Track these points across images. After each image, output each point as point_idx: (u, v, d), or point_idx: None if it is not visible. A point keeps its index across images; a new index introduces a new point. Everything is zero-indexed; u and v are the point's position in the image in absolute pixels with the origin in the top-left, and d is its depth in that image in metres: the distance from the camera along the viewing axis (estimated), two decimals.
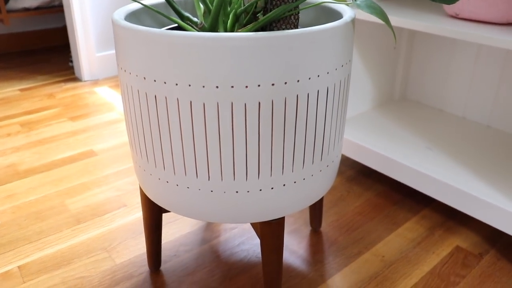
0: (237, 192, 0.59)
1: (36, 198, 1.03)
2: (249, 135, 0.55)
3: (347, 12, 0.63)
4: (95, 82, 1.78)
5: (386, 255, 0.87)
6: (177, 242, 0.89)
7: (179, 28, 0.73)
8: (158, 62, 0.53)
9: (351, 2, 0.58)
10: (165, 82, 0.54)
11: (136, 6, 0.71)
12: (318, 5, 0.73)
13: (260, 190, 0.59)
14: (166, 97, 0.55)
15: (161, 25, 0.76)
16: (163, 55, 0.52)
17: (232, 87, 0.52)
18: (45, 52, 2.19)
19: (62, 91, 1.68)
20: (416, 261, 0.85)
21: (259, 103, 0.53)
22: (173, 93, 0.54)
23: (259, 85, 0.52)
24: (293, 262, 0.85)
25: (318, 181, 0.64)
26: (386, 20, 0.57)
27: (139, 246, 0.88)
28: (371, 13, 0.56)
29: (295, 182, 0.61)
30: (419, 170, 0.93)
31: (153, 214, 0.75)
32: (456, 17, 0.88)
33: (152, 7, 0.62)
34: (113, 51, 1.81)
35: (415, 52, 1.22)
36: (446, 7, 0.90)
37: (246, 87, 0.52)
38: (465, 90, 1.15)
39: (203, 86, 0.52)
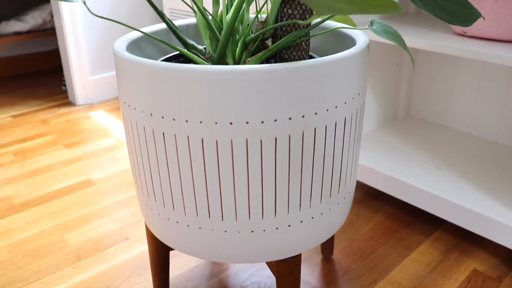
0: (252, 231, 0.56)
1: (34, 234, 0.99)
2: (265, 172, 0.52)
3: (360, 37, 0.60)
4: (90, 106, 1.74)
5: (402, 282, 0.84)
6: (184, 277, 0.85)
7: (182, 56, 0.70)
8: (166, 98, 0.50)
9: (366, 27, 0.56)
10: (174, 119, 0.51)
11: (136, 34, 0.68)
12: (331, 31, 0.71)
13: (277, 228, 0.56)
14: (175, 135, 0.51)
15: (164, 53, 0.73)
16: (172, 90, 0.49)
17: (247, 123, 0.49)
18: (38, 75, 2.15)
19: (56, 116, 1.64)
20: (434, 287, 0.82)
21: (276, 138, 0.50)
22: (183, 131, 0.51)
23: (275, 120, 0.49)
24: None
25: (336, 214, 0.61)
26: (404, 46, 0.54)
27: (145, 283, 0.84)
28: (389, 38, 0.53)
29: (312, 218, 0.58)
30: (429, 192, 0.90)
31: (161, 252, 0.71)
32: (463, 35, 0.87)
33: (155, 36, 0.59)
34: (108, 74, 1.78)
35: (418, 69, 1.20)
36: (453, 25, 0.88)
37: (262, 122, 0.49)
38: (470, 106, 1.13)
39: (216, 123, 0.49)
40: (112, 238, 0.97)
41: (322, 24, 0.72)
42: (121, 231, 0.99)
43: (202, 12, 0.55)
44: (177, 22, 0.76)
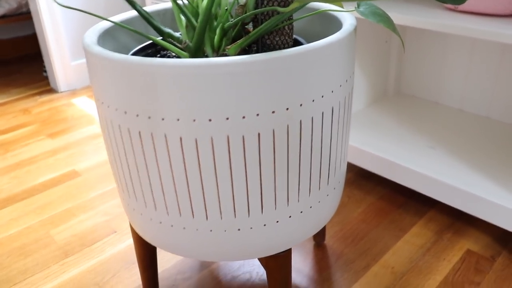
0: (239, 229, 0.53)
1: (19, 231, 0.96)
2: (249, 169, 0.49)
3: (347, 19, 0.57)
4: (73, 92, 1.68)
5: (395, 265, 0.83)
6: (174, 270, 0.83)
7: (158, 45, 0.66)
8: (140, 95, 0.46)
9: (352, 9, 0.52)
10: (149, 117, 0.47)
11: (109, 22, 0.64)
12: (316, 14, 0.67)
13: (264, 225, 0.54)
14: (152, 134, 0.48)
15: (139, 42, 0.69)
16: (146, 87, 0.46)
17: (227, 119, 0.46)
18: (17, 61, 2.08)
19: (38, 104, 1.59)
20: (427, 270, 0.81)
21: (259, 134, 0.47)
22: (160, 129, 0.47)
23: (257, 115, 0.46)
24: (300, 283, 0.80)
25: (326, 206, 0.59)
26: (393, 28, 0.51)
27: (134, 278, 0.82)
28: (377, 21, 0.50)
29: (301, 212, 0.55)
30: (421, 172, 0.88)
31: (147, 248, 0.69)
32: (454, 10, 0.83)
33: (127, 26, 0.55)
34: None
35: (408, 44, 1.17)
36: None
37: (243, 117, 0.46)
38: (462, 81, 1.10)
39: (194, 120, 0.46)
40: (99, 232, 0.94)
41: (308, 8, 0.68)
42: (108, 224, 0.97)
43: (175, 1, 0.51)
44: (154, 7, 0.71)
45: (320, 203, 0.57)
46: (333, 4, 0.66)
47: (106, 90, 0.50)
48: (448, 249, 0.86)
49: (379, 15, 0.51)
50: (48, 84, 1.76)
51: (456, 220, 0.93)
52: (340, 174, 0.60)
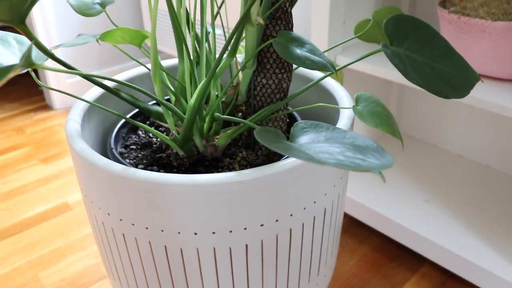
0: None
1: (6, 273, 0.95)
2: (236, 275, 0.47)
3: (344, 112, 0.54)
4: (68, 110, 1.66)
5: None
6: None
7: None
8: (123, 202, 0.45)
9: (350, 107, 0.50)
10: (133, 224, 0.45)
11: (98, 91, 0.62)
12: (309, 86, 0.65)
13: None
14: (136, 238, 0.46)
15: (130, 108, 0.67)
16: (129, 197, 0.44)
17: (214, 233, 0.44)
18: None
19: (33, 123, 1.57)
20: None
21: (246, 245, 0.45)
22: (144, 236, 0.46)
23: (245, 229, 0.44)
24: None
25: None
26: (394, 132, 0.49)
27: None
28: (376, 125, 0.48)
29: None
30: (414, 230, 0.87)
31: None
32: None
33: (109, 110, 0.53)
34: None
35: (409, 86, 1.14)
36: None
37: (230, 231, 0.44)
38: (462, 126, 1.08)
39: (179, 233, 0.44)
40: (88, 277, 0.93)
41: (303, 75, 0.66)
42: (98, 267, 0.95)
43: (162, 101, 0.49)
44: (141, 69, 0.69)
45: None
46: (334, 79, 0.64)
47: (89, 187, 0.48)
48: None
49: (379, 116, 0.49)
50: (44, 99, 1.74)
51: (450, 278, 0.92)
52: (331, 261, 0.59)
